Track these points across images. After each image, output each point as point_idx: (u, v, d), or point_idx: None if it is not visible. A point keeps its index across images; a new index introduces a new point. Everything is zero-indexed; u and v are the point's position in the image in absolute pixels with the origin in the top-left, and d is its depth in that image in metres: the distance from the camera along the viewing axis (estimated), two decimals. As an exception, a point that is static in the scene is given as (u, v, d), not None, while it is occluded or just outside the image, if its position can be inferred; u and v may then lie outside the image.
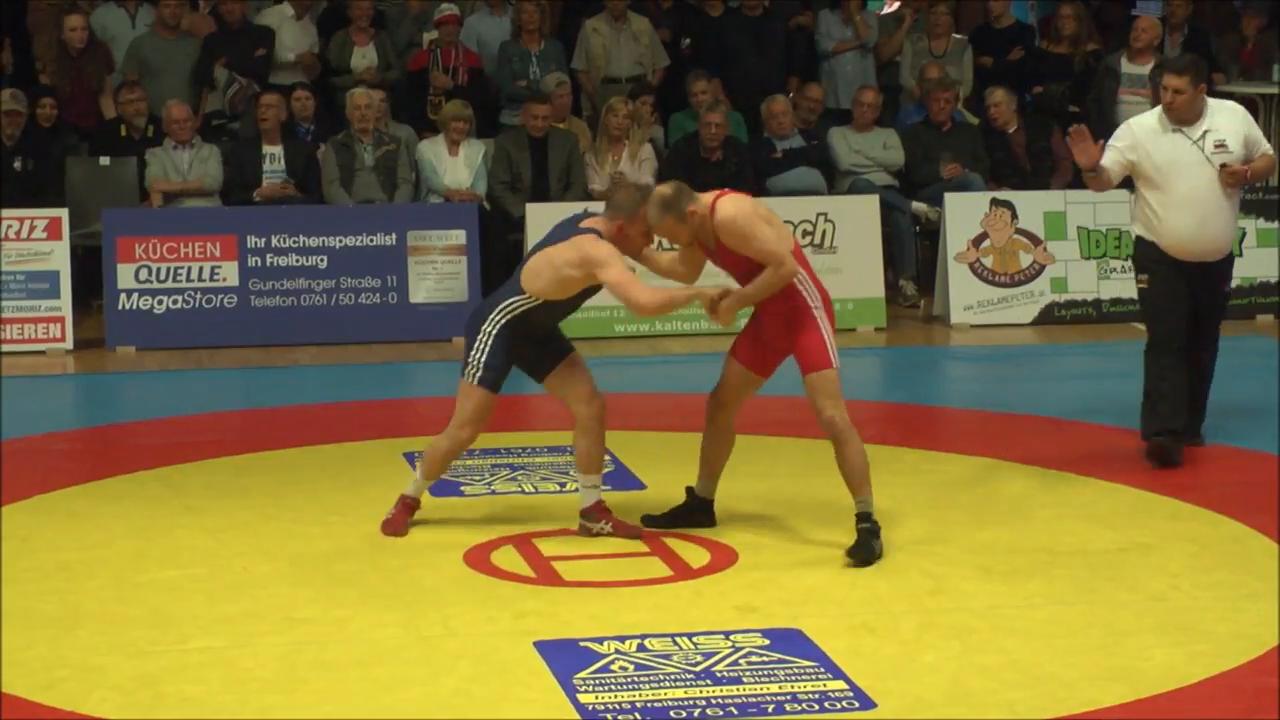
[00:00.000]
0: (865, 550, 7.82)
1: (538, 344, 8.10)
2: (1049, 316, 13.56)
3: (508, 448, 9.72)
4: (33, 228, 12.84)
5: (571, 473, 8.60)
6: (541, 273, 7.92)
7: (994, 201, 13.68)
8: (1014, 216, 13.61)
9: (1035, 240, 13.59)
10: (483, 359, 7.95)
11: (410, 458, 9.39)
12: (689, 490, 8.38)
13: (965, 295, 13.52)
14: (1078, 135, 9.21)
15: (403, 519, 8.23)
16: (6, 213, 12.84)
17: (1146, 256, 9.45)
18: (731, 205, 7.80)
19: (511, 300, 7.97)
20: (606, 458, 9.38)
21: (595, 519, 8.23)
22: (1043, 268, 13.60)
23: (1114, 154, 9.37)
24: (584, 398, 8.16)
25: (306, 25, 15.15)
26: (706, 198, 7.85)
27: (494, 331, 7.94)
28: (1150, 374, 9.47)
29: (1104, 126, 14.61)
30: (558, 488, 9.06)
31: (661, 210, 7.78)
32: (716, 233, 7.79)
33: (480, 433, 8.16)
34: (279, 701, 6.31)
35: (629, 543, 8.14)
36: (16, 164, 13.51)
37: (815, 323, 7.88)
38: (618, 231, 7.90)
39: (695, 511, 8.32)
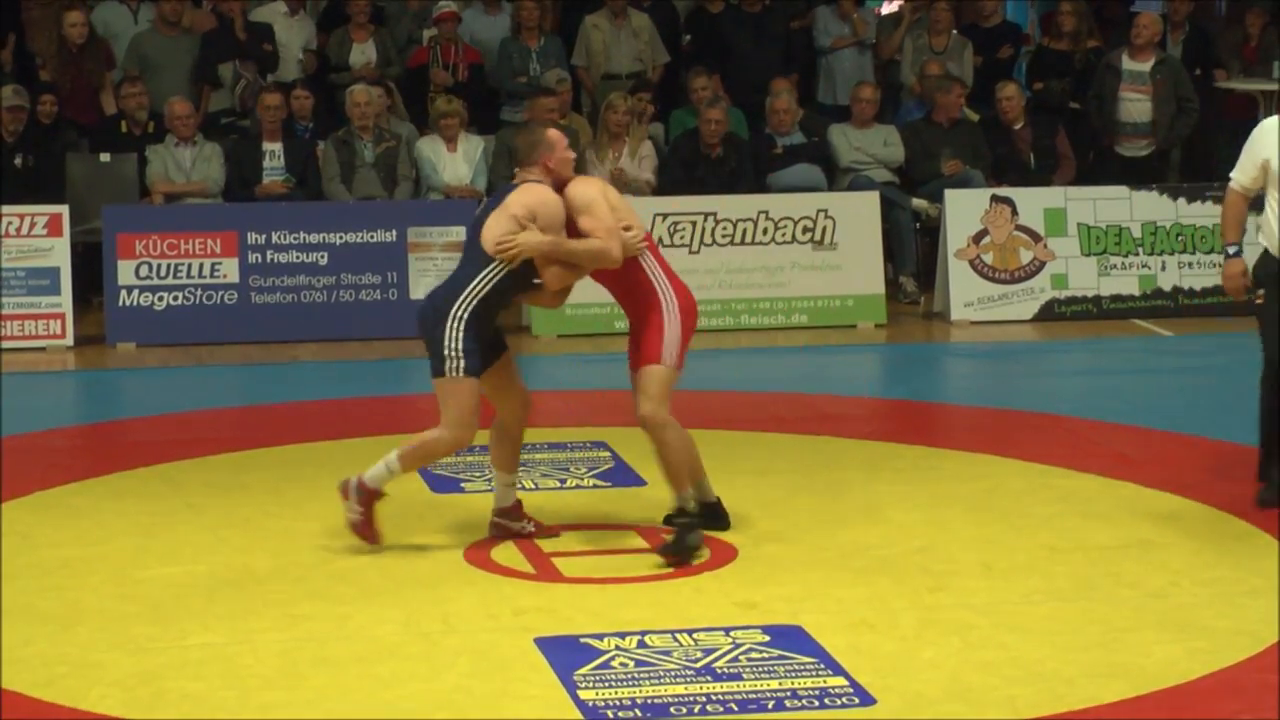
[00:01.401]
0: (678, 547, 7.77)
1: (490, 333, 7.81)
2: (1049, 313, 13.55)
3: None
4: (33, 224, 12.84)
5: (489, 471, 8.34)
6: (504, 233, 7.62)
7: (994, 198, 13.68)
8: (1014, 213, 13.61)
9: (1035, 237, 13.59)
10: (459, 347, 7.63)
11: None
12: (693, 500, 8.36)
13: (965, 292, 13.52)
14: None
15: (369, 521, 7.80)
16: (7, 209, 12.85)
17: (1263, 269, 8.75)
18: (582, 184, 7.84)
19: (475, 281, 7.66)
20: (608, 454, 9.44)
21: (517, 518, 8.15)
22: (1043, 264, 13.60)
23: (1248, 165, 8.70)
24: (519, 401, 7.99)
25: (303, 21, 15.16)
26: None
27: (464, 316, 7.63)
28: (1264, 408, 8.87)
29: (1105, 123, 14.65)
30: (558, 484, 9.06)
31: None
32: (568, 207, 7.76)
33: (478, 427, 7.91)
34: (279, 698, 6.31)
35: (629, 539, 8.14)
36: (17, 160, 13.51)
37: (660, 321, 7.81)
38: (545, 168, 7.79)
39: (706, 518, 8.29)
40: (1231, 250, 8.77)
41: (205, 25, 15.08)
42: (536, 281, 7.82)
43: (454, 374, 7.66)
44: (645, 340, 7.84)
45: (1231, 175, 8.80)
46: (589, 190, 7.82)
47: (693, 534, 7.81)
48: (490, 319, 7.77)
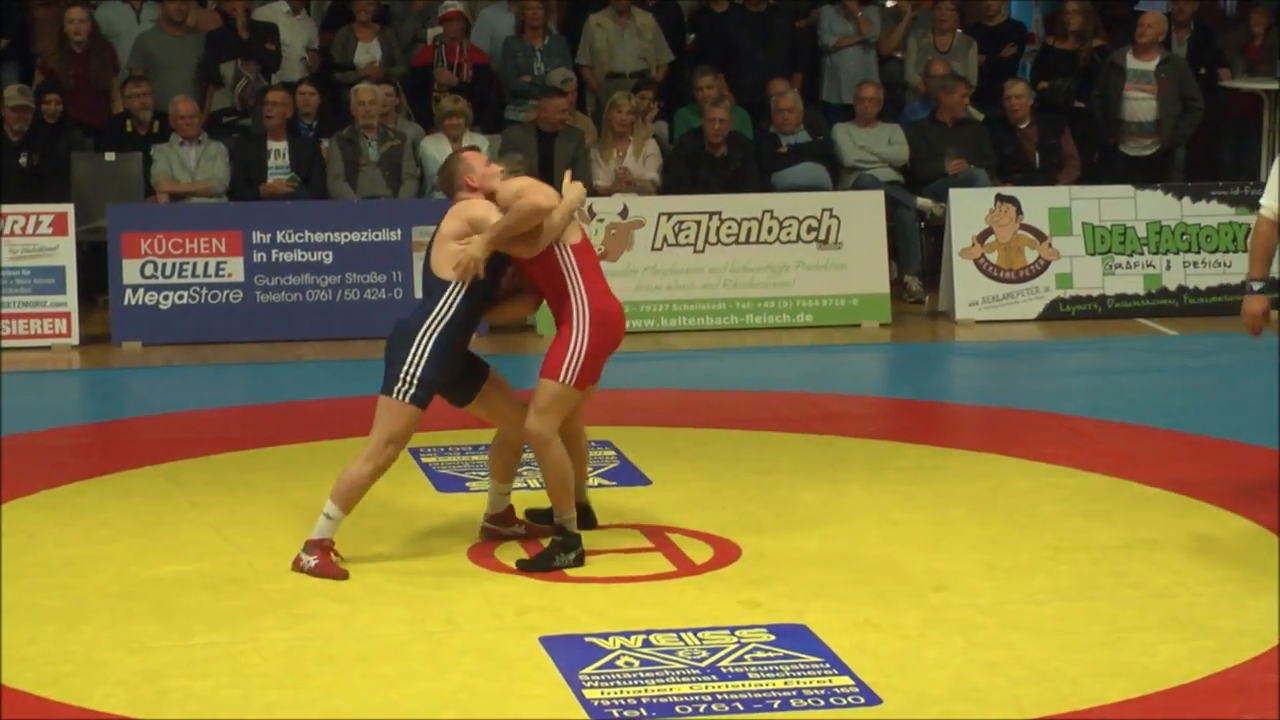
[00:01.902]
0: (542, 562, 7.70)
1: (460, 367, 7.76)
2: (1054, 312, 13.55)
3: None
4: (38, 223, 12.85)
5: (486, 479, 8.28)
6: (455, 252, 7.63)
7: (999, 197, 13.67)
8: (1019, 212, 13.60)
9: (1040, 236, 13.58)
10: (417, 374, 7.51)
11: (414, 453, 9.40)
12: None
13: (970, 291, 13.51)
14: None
15: (330, 562, 7.63)
16: (12, 208, 12.86)
17: None
18: (510, 182, 7.75)
19: (439, 306, 7.61)
20: (613, 453, 9.46)
21: (509, 523, 8.13)
22: (1048, 263, 13.59)
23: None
24: (518, 416, 7.85)
25: (305, 21, 15.15)
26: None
27: (429, 343, 7.55)
28: None
29: (1109, 123, 14.64)
30: (562, 483, 9.05)
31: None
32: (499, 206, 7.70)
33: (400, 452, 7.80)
34: (284, 697, 6.32)
35: (632, 539, 8.14)
36: (22, 160, 13.51)
37: (567, 335, 7.70)
38: (469, 188, 7.76)
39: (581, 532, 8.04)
40: (1256, 287, 8.36)
41: (210, 24, 15.08)
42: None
43: (400, 397, 7.56)
44: (550, 352, 7.73)
45: (1262, 203, 8.42)
46: (514, 183, 7.71)
47: (561, 556, 7.72)
48: (461, 346, 7.68)
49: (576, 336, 7.71)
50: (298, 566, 7.64)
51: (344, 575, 7.59)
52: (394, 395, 7.57)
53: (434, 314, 7.62)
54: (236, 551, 7.98)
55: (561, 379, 7.67)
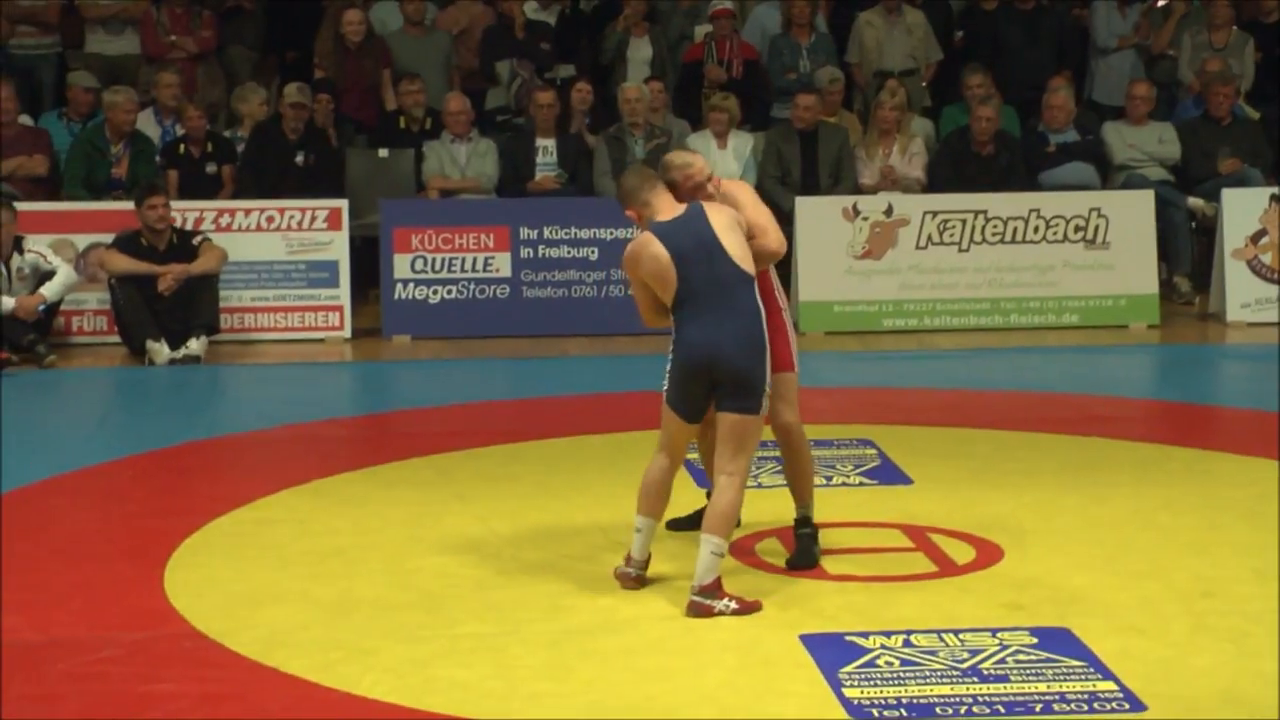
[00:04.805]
0: (807, 557, 7.68)
1: None
2: (1330, 315, 13.25)
3: (773, 440, 9.69)
4: (313, 218, 13.17)
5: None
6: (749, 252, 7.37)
7: (1274, 198, 13.39)
8: (1294, 213, 13.33)
9: (1317, 237, 13.29)
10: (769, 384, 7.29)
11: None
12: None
13: (1242, 292, 13.26)
14: None
15: (743, 599, 7.20)
16: (289, 203, 13.19)
17: None
18: (738, 184, 7.78)
19: (761, 306, 7.28)
20: (874, 451, 9.40)
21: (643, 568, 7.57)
22: (1324, 265, 13.30)
23: None
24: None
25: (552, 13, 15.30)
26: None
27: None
28: None
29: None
30: (824, 481, 9.03)
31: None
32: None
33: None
34: (547, 689, 6.39)
35: (893, 538, 8.10)
36: (299, 159, 13.82)
37: (783, 324, 7.66)
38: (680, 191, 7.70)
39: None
40: None
41: (482, 21, 15.29)
42: None
43: (761, 413, 7.33)
44: (775, 345, 7.54)
45: None
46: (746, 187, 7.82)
47: (815, 548, 7.73)
48: None
49: (789, 325, 7.74)
50: (707, 612, 7.10)
51: (759, 607, 7.19)
52: (761, 412, 7.33)
53: (763, 315, 7.29)
54: (500, 543, 8.09)
55: (795, 368, 7.75)
